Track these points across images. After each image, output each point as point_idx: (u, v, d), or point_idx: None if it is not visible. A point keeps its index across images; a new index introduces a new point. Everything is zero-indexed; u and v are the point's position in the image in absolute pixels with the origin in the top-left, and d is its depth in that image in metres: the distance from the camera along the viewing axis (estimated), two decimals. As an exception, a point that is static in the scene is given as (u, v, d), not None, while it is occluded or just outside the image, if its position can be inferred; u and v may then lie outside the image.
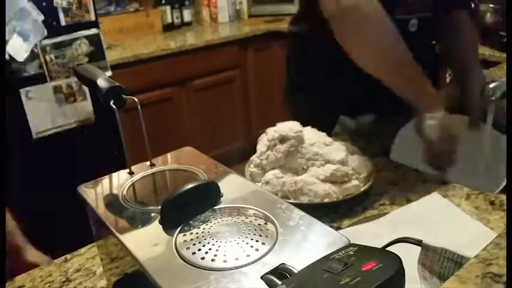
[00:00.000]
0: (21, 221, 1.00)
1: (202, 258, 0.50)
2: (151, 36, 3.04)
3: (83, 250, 0.86)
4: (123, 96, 0.69)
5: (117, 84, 0.70)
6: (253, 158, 1.00)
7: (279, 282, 0.45)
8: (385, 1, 0.92)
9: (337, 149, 0.97)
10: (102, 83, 0.70)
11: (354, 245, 0.48)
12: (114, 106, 0.68)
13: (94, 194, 0.67)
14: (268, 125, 1.01)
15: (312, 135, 0.98)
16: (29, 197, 1.63)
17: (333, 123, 1.23)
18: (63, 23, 1.67)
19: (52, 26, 1.65)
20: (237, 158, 1.58)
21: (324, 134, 1.01)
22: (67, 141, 1.76)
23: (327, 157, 0.94)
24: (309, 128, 1.01)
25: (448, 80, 1.54)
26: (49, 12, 1.63)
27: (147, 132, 0.71)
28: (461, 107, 1.12)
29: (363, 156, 1.01)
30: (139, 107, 0.68)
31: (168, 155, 0.76)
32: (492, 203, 0.89)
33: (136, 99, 0.68)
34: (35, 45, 1.62)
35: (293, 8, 3.25)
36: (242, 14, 3.47)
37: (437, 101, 0.96)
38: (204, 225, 0.55)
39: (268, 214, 0.57)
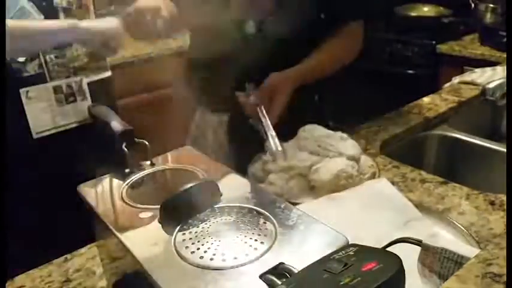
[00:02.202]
0: (21, 221, 1.00)
1: (201, 257, 0.50)
2: (151, 36, 3.04)
3: (83, 250, 0.86)
4: (135, 139, 0.72)
5: (129, 127, 0.71)
6: (256, 158, 1.00)
7: (279, 282, 0.45)
8: None
9: (352, 145, 0.97)
10: (116, 125, 0.72)
11: (354, 245, 0.48)
12: (126, 149, 0.70)
13: (94, 193, 0.67)
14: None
15: (325, 130, 1.00)
16: (29, 196, 1.63)
17: None
18: (63, 23, 1.67)
19: (52, 26, 1.65)
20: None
21: (339, 132, 1.02)
22: (67, 141, 1.76)
23: (340, 150, 0.94)
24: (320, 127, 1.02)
25: (453, 79, 1.53)
26: (49, 12, 1.62)
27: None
28: None
29: (367, 156, 1.01)
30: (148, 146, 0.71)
31: (168, 155, 0.76)
32: (492, 203, 0.89)
33: (147, 143, 0.70)
34: (35, 45, 1.62)
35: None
36: (243, 14, 3.47)
37: None
38: (203, 224, 0.55)
39: (267, 213, 0.57)
